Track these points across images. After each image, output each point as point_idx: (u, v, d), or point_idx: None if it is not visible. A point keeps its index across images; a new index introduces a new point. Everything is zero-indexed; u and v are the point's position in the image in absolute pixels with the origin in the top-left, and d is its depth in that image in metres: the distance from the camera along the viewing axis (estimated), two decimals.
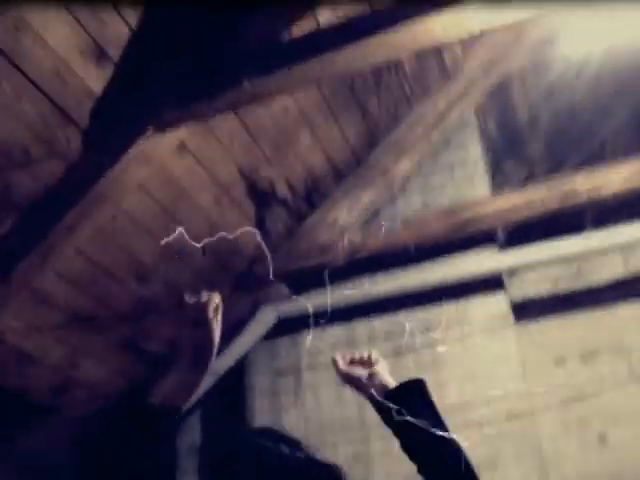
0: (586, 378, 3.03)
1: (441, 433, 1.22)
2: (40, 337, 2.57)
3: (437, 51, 3.26)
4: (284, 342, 3.20)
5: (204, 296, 1.23)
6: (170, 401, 1.17)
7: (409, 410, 1.24)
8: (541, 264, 3.19)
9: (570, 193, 2.92)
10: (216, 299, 1.23)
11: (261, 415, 3.07)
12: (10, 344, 2.52)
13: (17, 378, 2.65)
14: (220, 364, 3.12)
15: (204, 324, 1.21)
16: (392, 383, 1.35)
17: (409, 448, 1.27)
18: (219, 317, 1.24)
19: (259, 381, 3.16)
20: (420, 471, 1.24)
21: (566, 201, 2.91)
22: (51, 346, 2.64)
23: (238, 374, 3.19)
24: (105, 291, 2.69)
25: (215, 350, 1.23)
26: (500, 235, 3.18)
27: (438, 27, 2.08)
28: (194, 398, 1.34)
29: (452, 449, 1.23)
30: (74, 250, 2.47)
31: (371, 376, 1.36)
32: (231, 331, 3.10)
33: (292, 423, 3.01)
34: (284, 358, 3.18)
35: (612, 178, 2.94)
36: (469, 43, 3.31)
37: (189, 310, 1.23)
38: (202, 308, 1.21)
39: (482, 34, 3.25)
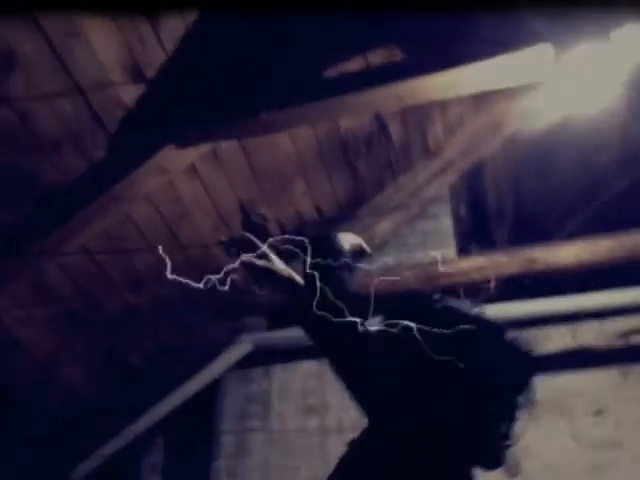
0: (532, 435, 3.09)
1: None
2: (33, 326, 2.60)
3: (422, 130, 3.52)
4: (257, 371, 3.24)
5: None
6: None
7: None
8: None
9: (528, 261, 3.10)
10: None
11: (228, 436, 3.07)
12: (4, 326, 2.54)
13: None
14: (193, 386, 3.14)
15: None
16: None
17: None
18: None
19: (229, 405, 3.16)
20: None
21: (525, 267, 3.09)
22: (41, 337, 2.66)
23: (209, 397, 3.19)
24: (99, 293, 2.74)
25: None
26: (462, 295, 3.33)
27: (439, 84, 2.33)
28: None
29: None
30: (80, 247, 2.55)
31: None
32: (209, 354, 3.14)
33: (258, 446, 3.02)
34: (255, 385, 3.21)
35: (566, 253, 3.15)
36: (451, 128, 3.59)
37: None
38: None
39: (463, 122, 3.60)
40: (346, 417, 3.00)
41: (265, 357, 3.19)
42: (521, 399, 1.23)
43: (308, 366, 3.19)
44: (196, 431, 3.23)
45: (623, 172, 4.12)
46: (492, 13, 2.69)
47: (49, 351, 2.76)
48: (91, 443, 3.08)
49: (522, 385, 1.22)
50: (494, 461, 1.20)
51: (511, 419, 1.20)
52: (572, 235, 4.21)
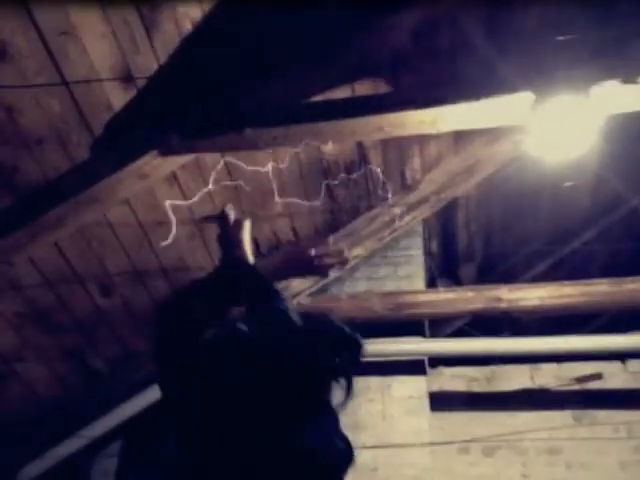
0: (484, 469, 3.08)
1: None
2: None
3: (401, 164, 3.53)
4: None
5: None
6: None
7: None
8: (459, 363, 3.34)
9: (494, 299, 3.11)
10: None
11: None
12: None
13: None
14: (151, 394, 3.06)
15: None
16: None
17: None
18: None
19: None
20: None
21: (490, 305, 3.09)
22: (5, 331, 2.58)
23: None
24: (69, 293, 2.68)
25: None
26: (427, 326, 3.32)
27: (422, 119, 2.34)
28: None
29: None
30: (53, 244, 2.49)
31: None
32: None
33: None
34: None
35: (530, 295, 3.16)
36: (429, 165, 3.61)
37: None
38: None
39: (441, 161, 3.63)
40: None
41: None
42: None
43: None
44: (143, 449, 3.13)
45: (592, 222, 4.18)
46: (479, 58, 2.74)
47: (12, 345, 2.68)
48: (44, 442, 2.98)
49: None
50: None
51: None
52: (537, 278, 4.25)
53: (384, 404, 3.09)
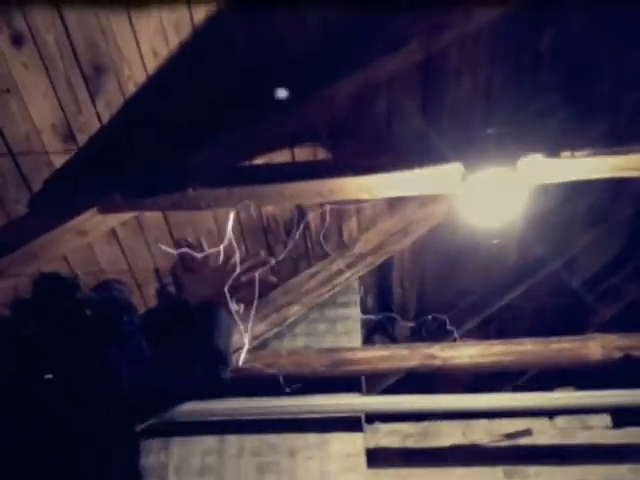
0: None
1: None
2: None
3: (338, 224, 3.56)
4: (155, 442, 3.03)
5: None
6: None
7: None
8: (393, 420, 3.32)
9: (427, 357, 3.13)
10: None
11: None
12: None
13: None
14: None
15: None
16: None
17: None
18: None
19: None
20: None
21: (424, 362, 3.11)
22: None
23: None
24: None
25: None
26: (364, 382, 3.30)
27: (358, 186, 2.38)
28: None
29: None
30: None
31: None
32: None
33: None
34: (153, 457, 2.99)
35: (462, 353, 3.19)
36: (365, 225, 3.66)
37: None
38: None
39: (377, 222, 3.68)
40: None
41: (165, 428, 3.00)
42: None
43: (208, 442, 3.03)
44: None
45: (517, 282, 4.29)
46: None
47: None
48: None
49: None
50: None
51: None
52: (469, 334, 4.32)
53: (322, 461, 3.02)
